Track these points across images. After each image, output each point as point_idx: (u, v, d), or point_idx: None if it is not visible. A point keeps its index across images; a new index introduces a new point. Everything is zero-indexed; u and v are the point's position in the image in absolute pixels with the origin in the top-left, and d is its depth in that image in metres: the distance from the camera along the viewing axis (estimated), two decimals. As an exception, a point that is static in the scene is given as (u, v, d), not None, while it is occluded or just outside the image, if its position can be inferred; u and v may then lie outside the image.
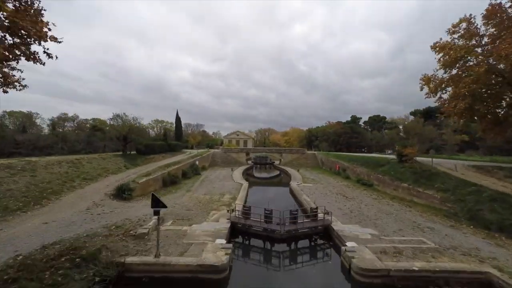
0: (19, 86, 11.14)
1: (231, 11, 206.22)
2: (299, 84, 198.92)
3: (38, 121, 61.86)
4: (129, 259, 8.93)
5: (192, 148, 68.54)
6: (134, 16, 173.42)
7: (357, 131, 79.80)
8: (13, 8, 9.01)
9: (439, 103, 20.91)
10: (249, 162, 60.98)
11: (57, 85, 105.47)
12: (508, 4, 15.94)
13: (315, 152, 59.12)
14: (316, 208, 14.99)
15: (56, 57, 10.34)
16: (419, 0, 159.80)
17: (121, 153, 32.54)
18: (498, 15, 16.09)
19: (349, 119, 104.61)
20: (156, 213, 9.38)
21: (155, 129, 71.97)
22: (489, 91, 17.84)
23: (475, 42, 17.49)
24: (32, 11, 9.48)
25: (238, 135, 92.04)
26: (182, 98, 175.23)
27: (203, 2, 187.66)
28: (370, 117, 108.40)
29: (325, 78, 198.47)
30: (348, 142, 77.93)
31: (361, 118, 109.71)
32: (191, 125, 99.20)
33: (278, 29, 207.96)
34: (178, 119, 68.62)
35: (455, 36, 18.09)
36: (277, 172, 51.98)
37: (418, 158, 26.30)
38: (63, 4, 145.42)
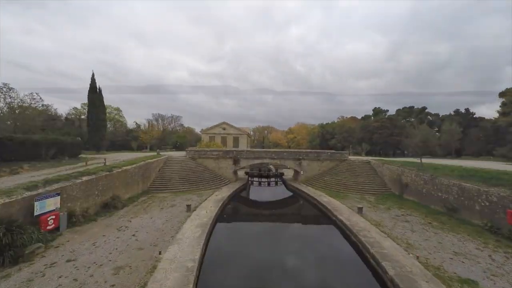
0: None
1: (230, 11, 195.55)
2: (296, 85, 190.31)
3: None
4: None
5: (144, 149, 42.72)
6: (134, 16, 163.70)
7: (399, 126, 54.92)
8: None
9: None
10: (240, 174, 34.81)
11: (55, 84, 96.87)
12: None
13: (370, 158, 31.98)
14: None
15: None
16: (412, 1, 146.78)
17: None
18: None
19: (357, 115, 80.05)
20: None
21: (83, 116, 44.93)
22: None
23: None
24: None
25: (224, 128, 55.35)
26: (180, 98, 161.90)
27: (203, 2, 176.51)
28: (398, 110, 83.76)
29: (321, 78, 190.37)
30: (385, 141, 53.31)
31: (387, 110, 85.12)
32: (164, 117, 71.78)
33: (275, 29, 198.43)
34: (94, 94, 33.31)
35: None
36: (290, 194, 26.73)
37: None
38: (60, 3, 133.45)
